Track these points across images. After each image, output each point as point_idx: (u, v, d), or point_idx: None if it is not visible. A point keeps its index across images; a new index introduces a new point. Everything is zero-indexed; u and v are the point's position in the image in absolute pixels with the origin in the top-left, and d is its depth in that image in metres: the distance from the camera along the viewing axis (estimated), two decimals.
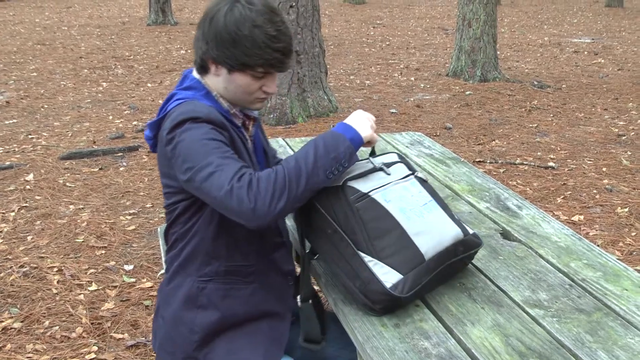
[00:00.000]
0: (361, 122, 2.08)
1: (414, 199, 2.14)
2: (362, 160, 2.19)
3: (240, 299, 2.21)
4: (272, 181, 1.88)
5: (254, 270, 2.22)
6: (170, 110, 2.10)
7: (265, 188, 1.86)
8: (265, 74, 2.11)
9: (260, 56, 2.04)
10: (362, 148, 2.10)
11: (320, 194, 2.04)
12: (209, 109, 2.06)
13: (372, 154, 2.29)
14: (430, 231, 2.10)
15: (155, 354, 2.44)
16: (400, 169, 2.23)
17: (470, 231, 2.24)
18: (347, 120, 2.08)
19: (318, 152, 1.95)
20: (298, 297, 2.31)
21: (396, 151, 2.58)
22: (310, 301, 2.29)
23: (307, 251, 2.28)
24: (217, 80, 2.14)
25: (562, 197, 5.65)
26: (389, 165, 2.21)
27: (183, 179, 1.99)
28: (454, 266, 2.18)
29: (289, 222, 2.59)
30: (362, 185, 2.08)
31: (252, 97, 2.16)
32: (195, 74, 2.21)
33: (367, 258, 2.00)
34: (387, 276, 1.98)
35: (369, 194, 2.07)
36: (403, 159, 2.30)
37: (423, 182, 2.24)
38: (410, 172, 2.23)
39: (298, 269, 2.41)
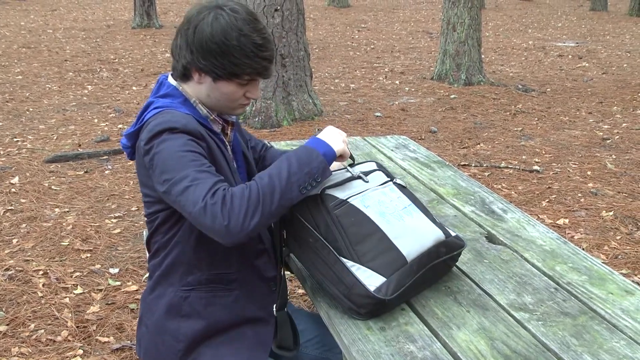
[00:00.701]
0: (333, 136, 2.08)
1: (392, 203, 2.15)
2: (339, 170, 2.21)
3: (223, 306, 2.20)
4: (246, 198, 1.87)
5: (236, 277, 2.21)
6: (148, 120, 2.09)
7: (238, 205, 1.86)
8: (250, 80, 2.11)
9: (249, 65, 2.04)
10: (335, 163, 2.11)
11: (299, 204, 2.04)
12: (186, 118, 2.05)
13: (351, 164, 2.29)
14: (411, 234, 2.11)
15: None
16: (379, 177, 2.25)
17: (453, 233, 2.25)
18: (320, 135, 2.08)
19: (291, 168, 1.95)
20: (274, 305, 2.32)
21: (375, 160, 2.59)
22: (286, 309, 2.31)
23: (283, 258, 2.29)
24: (200, 88, 2.12)
25: (547, 200, 5.67)
26: (367, 173, 2.23)
27: (161, 190, 1.99)
28: (438, 268, 2.19)
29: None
30: (340, 193, 2.09)
31: (236, 103, 2.16)
32: (171, 79, 2.19)
33: (349, 263, 2.01)
34: (371, 279, 1.99)
35: (348, 200, 2.08)
36: (381, 167, 2.32)
37: (402, 188, 2.26)
38: (388, 179, 2.25)
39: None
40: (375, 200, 2.12)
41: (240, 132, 2.45)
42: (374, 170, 2.27)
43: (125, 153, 2.24)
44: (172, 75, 2.20)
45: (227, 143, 2.25)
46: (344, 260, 2.02)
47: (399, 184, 2.26)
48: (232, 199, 1.87)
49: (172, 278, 2.20)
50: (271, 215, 1.92)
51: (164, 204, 2.09)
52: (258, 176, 1.96)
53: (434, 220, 2.22)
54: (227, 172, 2.13)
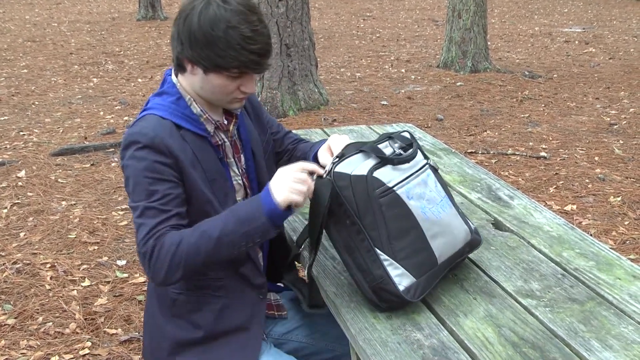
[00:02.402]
0: (282, 186, 1.95)
1: (431, 194, 2.07)
2: (382, 142, 2.11)
3: (211, 312, 2.16)
4: (171, 253, 1.90)
5: (223, 284, 2.17)
6: (135, 122, 2.09)
7: (162, 260, 1.91)
8: (241, 74, 2.03)
9: (235, 58, 1.95)
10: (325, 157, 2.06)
11: (343, 181, 1.97)
12: (158, 128, 2.01)
13: (389, 137, 2.16)
14: (445, 234, 2.06)
15: None
16: (416, 156, 2.12)
17: (472, 226, 2.23)
18: (272, 184, 1.97)
19: (226, 227, 1.93)
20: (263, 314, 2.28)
21: (407, 129, 2.49)
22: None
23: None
24: (194, 80, 2.07)
25: (554, 187, 5.66)
26: (405, 149, 2.11)
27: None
28: (456, 265, 2.18)
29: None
30: (386, 177, 1.98)
31: (230, 97, 2.08)
32: (173, 75, 2.14)
33: (382, 256, 1.95)
34: (401, 278, 1.94)
35: (394, 189, 1.98)
36: (415, 141, 2.18)
37: (435, 172, 2.18)
38: (425, 161, 2.14)
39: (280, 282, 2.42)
40: (418, 192, 2.03)
41: (253, 121, 2.37)
42: (410, 145, 2.14)
43: None
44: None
45: (225, 139, 2.18)
46: (378, 251, 1.95)
47: (433, 167, 2.17)
48: (160, 251, 1.91)
49: None
50: (198, 270, 1.98)
51: None
52: (195, 227, 1.96)
53: (461, 214, 2.18)
54: (207, 178, 2.08)
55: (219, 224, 1.93)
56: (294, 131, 3.71)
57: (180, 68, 2.08)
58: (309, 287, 2.27)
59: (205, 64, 1.99)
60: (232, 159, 2.21)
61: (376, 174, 1.97)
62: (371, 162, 2.00)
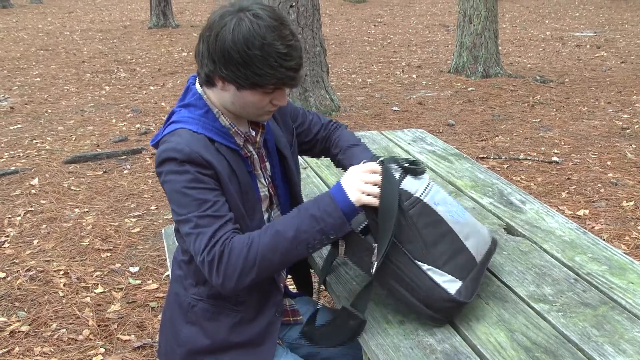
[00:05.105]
0: (355, 185, 1.94)
1: (449, 199, 2.08)
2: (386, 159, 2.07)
3: (227, 324, 2.16)
4: (243, 256, 1.86)
5: (244, 300, 2.15)
6: (163, 138, 2.04)
7: (234, 263, 1.86)
8: (275, 89, 1.99)
9: (272, 75, 1.91)
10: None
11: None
12: (193, 143, 1.97)
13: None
14: (475, 233, 2.07)
15: None
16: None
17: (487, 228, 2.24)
18: (343, 181, 1.96)
19: (301, 226, 1.88)
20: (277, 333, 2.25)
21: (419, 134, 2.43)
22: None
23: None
24: (224, 95, 2.02)
25: (566, 191, 5.64)
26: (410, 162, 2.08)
27: (173, 219, 1.99)
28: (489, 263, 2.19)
29: None
30: (412, 187, 1.97)
31: (262, 111, 2.05)
32: (198, 86, 2.10)
33: (425, 267, 1.93)
34: (449, 284, 1.93)
35: (421, 198, 1.97)
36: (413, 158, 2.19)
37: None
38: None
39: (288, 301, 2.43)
40: (441, 198, 2.03)
41: (279, 122, 2.36)
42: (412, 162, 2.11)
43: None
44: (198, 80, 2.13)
45: (253, 151, 2.16)
46: (419, 263, 1.93)
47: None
48: (230, 255, 1.86)
49: (186, 282, 2.19)
50: (270, 272, 1.92)
51: None
52: (264, 229, 1.92)
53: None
54: (242, 191, 2.05)
55: (293, 223, 1.90)
56: None
57: (209, 84, 2.03)
58: (358, 295, 2.08)
59: (241, 82, 1.94)
60: (260, 171, 2.19)
61: (402, 185, 1.96)
62: (396, 174, 1.99)
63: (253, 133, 2.16)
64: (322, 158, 2.58)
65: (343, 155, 2.42)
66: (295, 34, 1.97)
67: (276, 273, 2.01)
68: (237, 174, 2.04)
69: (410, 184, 1.97)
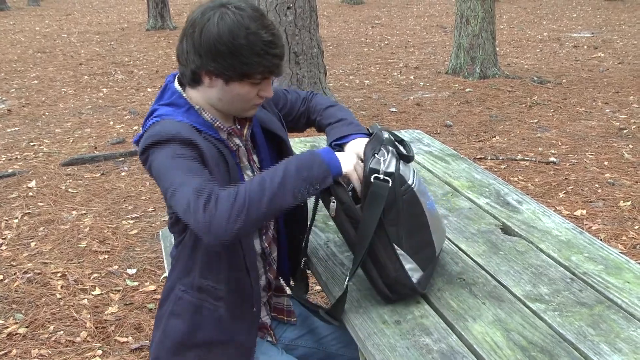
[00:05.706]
0: (345, 156, 2.02)
1: (426, 189, 2.17)
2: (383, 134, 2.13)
3: (209, 319, 2.15)
4: (231, 202, 1.80)
5: (223, 295, 2.14)
6: (147, 129, 2.03)
7: (222, 208, 1.79)
8: (262, 79, 2.02)
9: (259, 63, 1.95)
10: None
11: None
12: (179, 127, 1.97)
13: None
14: (439, 227, 2.17)
15: None
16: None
17: None
18: (339, 153, 2.03)
19: (288, 172, 1.87)
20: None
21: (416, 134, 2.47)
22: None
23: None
24: (210, 92, 2.04)
25: (564, 192, 5.64)
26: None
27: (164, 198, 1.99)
28: None
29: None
30: (406, 174, 2.04)
31: (249, 104, 2.07)
32: (176, 84, 2.11)
33: (399, 251, 2.02)
34: (413, 272, 2.03)
35: (413, 187, 2.03)
36: (392, 134, 2.19)
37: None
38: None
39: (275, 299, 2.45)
40: (422, 189, 2.10)
41: (267, 109, 2.36)
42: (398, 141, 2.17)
43: None
44: (179, 79, 2.12)
45: (240, 143, 2.17)
46: (395, 247, 2.01)
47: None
48: (217, 201, 1.80)
49: (175, 273, 2.19)
50: (258, 220, 1.85)
51: None
52: (252, 178, 1.91)
53: None
54: (230, 180, 2.04)
55: (279, 170, 1.89)
56: (302, 139, 3.74)
57: (195, 82, 2.04)
58: (340, 299, 2.11)
59: (229, 74, 1.97)
60: (247, 163, 2.20)
61: (400, 171, 2.02)
62: (393, 159, 2.03)
63: (239, 127, 2.18)
64: None
65: (320, 116, 2.46)
66: (275, 25, 2.03)
67: (265, 221, 2.02)
68: (224, 162, 2.04)
69: (405, 170, 2.04)
